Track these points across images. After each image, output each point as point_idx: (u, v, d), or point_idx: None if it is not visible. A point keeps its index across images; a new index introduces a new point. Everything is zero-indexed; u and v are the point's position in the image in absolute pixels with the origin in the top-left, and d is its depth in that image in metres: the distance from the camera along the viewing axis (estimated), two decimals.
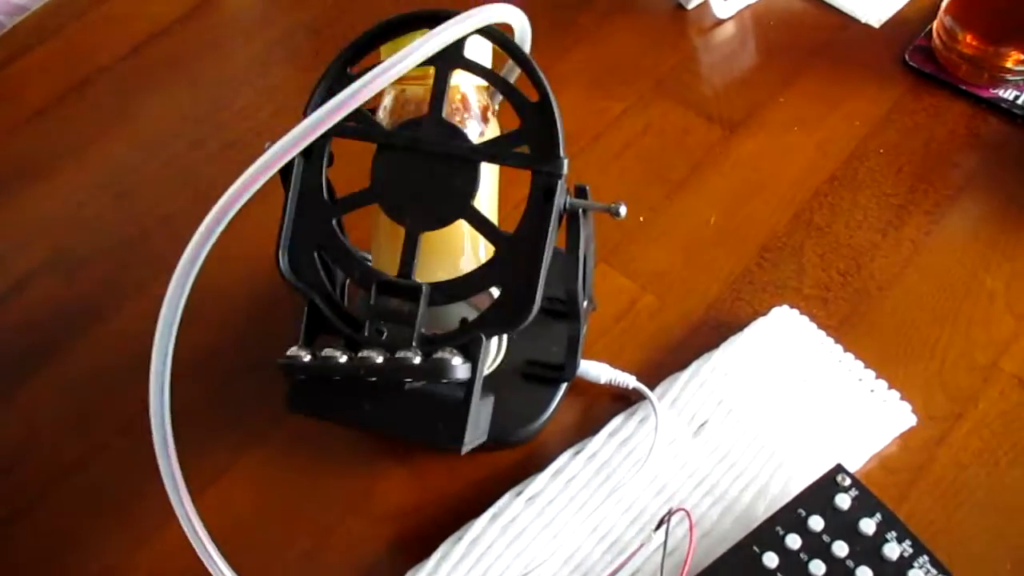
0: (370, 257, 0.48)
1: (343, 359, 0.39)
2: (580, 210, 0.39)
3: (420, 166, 0.39)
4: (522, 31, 0.42)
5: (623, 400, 0.50)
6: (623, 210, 0.39)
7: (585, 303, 0.46)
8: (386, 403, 0.40)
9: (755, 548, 0.42)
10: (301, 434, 0.51)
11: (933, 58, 0.64)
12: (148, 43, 0.73)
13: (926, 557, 0.41)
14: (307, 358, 0.40)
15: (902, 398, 0.48)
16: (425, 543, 0.46)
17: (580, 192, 0.40)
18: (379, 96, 0.42)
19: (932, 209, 0.58)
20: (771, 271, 0.56)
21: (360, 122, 0.40)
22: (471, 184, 0.39)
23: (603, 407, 0.50)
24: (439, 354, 0.38)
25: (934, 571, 0.41)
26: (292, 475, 0.50)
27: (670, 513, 0.42)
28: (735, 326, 0.53)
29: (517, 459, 0.49)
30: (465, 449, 0.40)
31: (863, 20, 0.68)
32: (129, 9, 0.75)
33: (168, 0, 0.75)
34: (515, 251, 0.39)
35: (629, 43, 0.69)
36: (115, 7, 0.75)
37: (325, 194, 0.41)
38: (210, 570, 0.38)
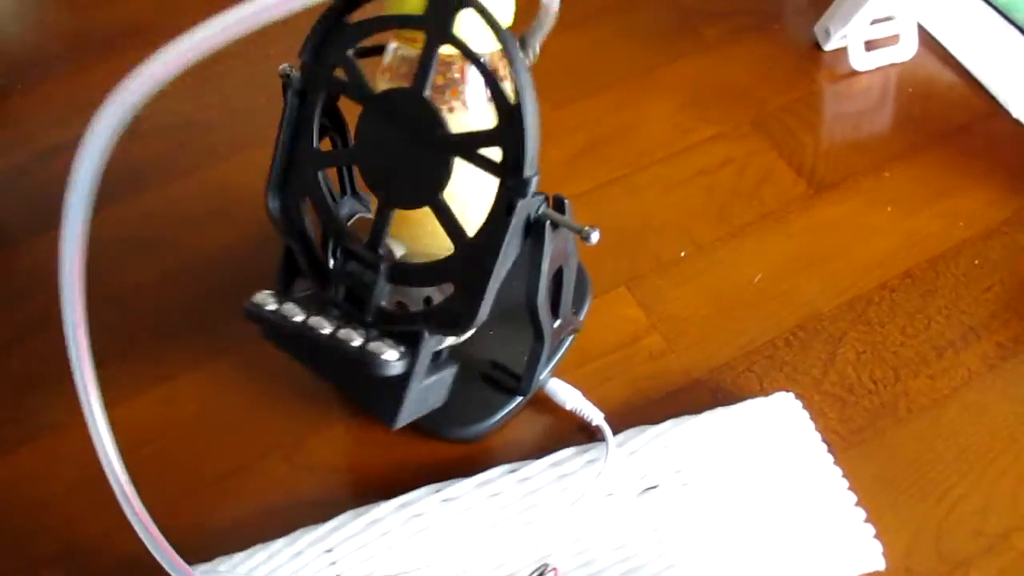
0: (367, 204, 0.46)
1: (299, 318, 0.39)
2: (548, 222, 0.36)
3: (398, 140, 0.36)
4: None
5: (584, 433, 0.47)
6: (595, 236, 0.35)
7: (558, 322, 0.42)
8: (337, 361, 0.39)
9: None
10: (254, 362, 0.49)
11: None
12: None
13: None
14: (271, 306, 0.39)
15: (876, 535, 0.42)
16: (330, 508, 0.44)
17: (558, 204, 0.36)
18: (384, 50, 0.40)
19: (1007, 343, 0.50)
20: (798, 352, 0.50)
21: (350, 74, 0.37)
22: (441, 174, 0.35)
23: (560, 434, 0.47)
24: (374, 344, 0.37)
25: None
26: (235, 398, 0.49)
27: (544, 569, 0.38)
28: (732, 398, 0.48)
29: (453, 456, 0.46)
30: (398, 425, 0.40)
31: (1014, 114, 0.59)
32: None
33: None
34: (474, 255, 0.36)
35: (747, 67, 0.63)
36: None
37: (315, 142, 0.39)
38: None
